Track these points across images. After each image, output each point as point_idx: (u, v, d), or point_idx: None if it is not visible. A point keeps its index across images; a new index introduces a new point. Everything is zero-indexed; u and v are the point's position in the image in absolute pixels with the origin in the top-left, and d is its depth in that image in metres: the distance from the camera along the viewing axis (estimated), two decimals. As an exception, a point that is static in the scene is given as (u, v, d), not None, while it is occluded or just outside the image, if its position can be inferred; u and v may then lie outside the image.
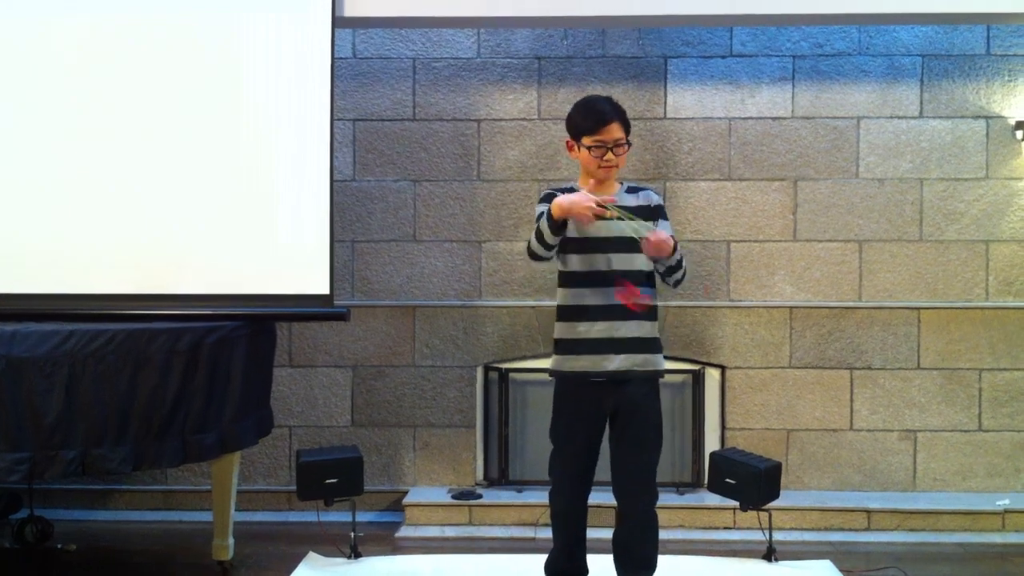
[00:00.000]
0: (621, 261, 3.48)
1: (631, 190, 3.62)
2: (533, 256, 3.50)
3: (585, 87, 5.36)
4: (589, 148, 3.48)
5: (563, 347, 3.57)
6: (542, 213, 3.45)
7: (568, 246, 3.50)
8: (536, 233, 3.43)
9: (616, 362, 3.48)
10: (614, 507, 3.62)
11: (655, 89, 5.43)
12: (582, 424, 3.57)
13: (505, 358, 5.49)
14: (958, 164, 5.40)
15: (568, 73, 5.46)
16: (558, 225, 3.35)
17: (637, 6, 4.73)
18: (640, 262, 3.49)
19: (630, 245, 3.42)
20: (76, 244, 4.47)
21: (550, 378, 3.66)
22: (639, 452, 3.55)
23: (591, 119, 3.47)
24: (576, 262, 3.53)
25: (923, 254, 5.40)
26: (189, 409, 4.04)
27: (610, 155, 3.47)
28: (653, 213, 3.57)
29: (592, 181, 3.55)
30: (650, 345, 3.55)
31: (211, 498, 4.46)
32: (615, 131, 3.47)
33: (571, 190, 3.53)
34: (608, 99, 3.56)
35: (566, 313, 3.57)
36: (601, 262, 3.49)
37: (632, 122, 3.60)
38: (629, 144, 3.54)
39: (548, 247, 3.43)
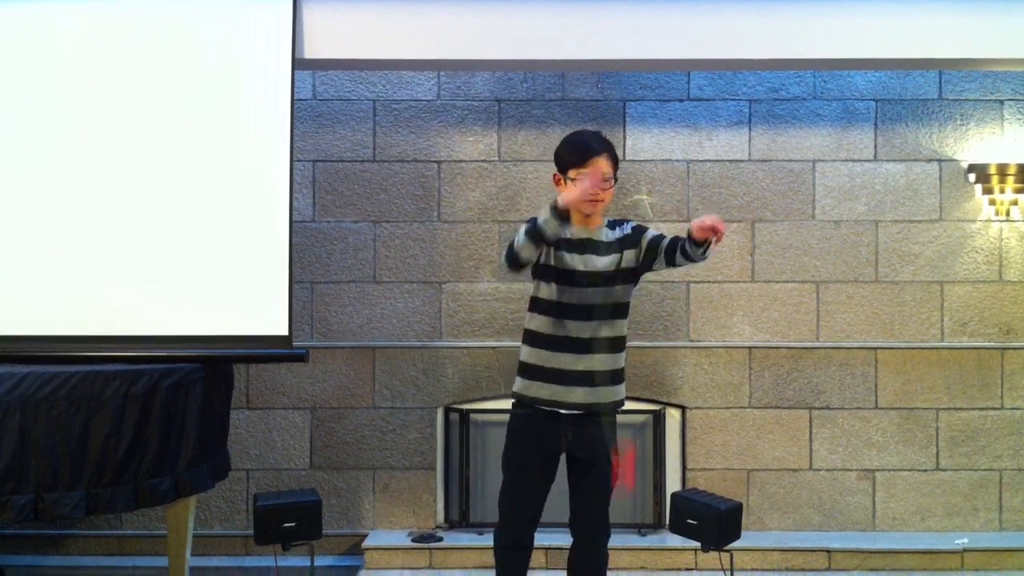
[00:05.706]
0: (599, 295, 3.45)
1: (612, 224, 3.58)
2: (516, 260, 3.33)
3: (545, 129, 5.40)
4: (575, 181, 3.40)
5: (530, 373, 3.52)
6: (532, 219, 3.33)
7: (548, 274, 3.47)
8: (531, 232, 3.27)
9: (580, 395, 3.45)
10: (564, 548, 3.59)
11: (614, 132, 5.46)
12: (539, 455, 3.52)
13: (466, 399, 5.47)
14: (912, 206, 5.48)
15: (528, 116, 5.49)
16: (564, 217, 3.26)
17: (596, 50, 4.76)
18: (617, 295, 3.47)
19: (610, 278, 3.42)
20: (29, 286, 4.41)
21: (512, 399, 3.60)
22: (601, 498, 3.54)
23: (578, 152, 3.42)
24: (555, 292, 3.47)
25: (879, 295, 5.46)
26: (144, 454, 3.98)
27: (596, 189, 3.42)
28: (637, 234, 3.54)
29: (576, 214, 3.47)
30: (616, 376, 3.54)
31: (166, 543, 4.40)
32: (602, 165, 3.41)
33: None
34: (597, 134, 3.53)
35: (537, 340, 3.51)
36: (578, 295, 3.45)
37: (591, 164, 3.60)
38: (616, 179, 3.51)
39: (541, 243, 3.31)
